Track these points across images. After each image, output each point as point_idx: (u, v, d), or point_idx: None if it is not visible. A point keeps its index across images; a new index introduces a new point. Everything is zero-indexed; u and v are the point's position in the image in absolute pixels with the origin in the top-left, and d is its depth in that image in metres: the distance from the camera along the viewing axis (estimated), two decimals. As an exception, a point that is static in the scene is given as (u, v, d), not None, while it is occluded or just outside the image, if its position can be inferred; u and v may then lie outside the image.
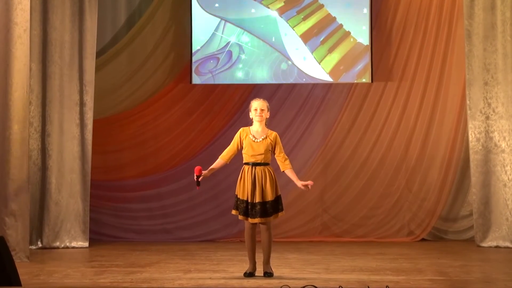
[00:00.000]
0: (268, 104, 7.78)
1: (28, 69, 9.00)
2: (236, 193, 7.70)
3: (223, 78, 11.34)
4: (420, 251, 9.79)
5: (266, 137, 7.67)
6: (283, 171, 7.75)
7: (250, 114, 7.77)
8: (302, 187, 7.71)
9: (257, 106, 7.71)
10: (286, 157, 7.75)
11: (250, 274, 7.62)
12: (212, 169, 7.83)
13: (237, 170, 7.78)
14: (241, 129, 7.77)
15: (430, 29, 11.21)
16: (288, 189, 10.95)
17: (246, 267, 7.99)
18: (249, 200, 7.57)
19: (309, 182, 7.72)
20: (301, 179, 10.93)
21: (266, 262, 7.66)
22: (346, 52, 11.20)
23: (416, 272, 8.01)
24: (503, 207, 10.07)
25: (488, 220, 10.16)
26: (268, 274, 7.59)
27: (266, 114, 7.74)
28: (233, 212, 7.75)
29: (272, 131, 7.76)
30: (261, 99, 7.81)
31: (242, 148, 7.70)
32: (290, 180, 10.90)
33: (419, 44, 11.24)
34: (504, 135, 10.12)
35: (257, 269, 7.69)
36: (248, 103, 7.85)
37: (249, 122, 7.74)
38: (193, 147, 11.43)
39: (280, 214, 7.68)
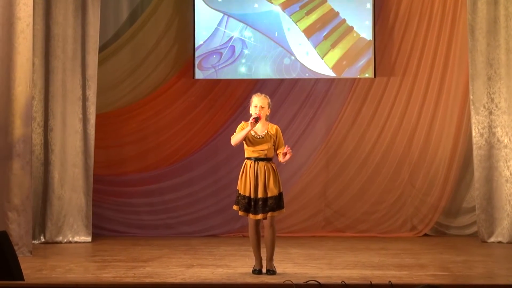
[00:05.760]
0: (269, 101, 7.72)
1: (31, 64, 9.02)
2: (237, 189, 7.66)
3: (226, 73, 11.32)
4: (422, 246, 9.79)
5: (267, 132, 7.62)
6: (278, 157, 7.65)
7: (250, 109, 7.72)
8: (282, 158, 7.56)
9: (257, 103, 7.64)
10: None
11: (259, 271, 7.58)
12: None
13: (239, 166, 7.76)
14: (242, 123, 7.73)
15: (433, 24, 11.18)
16: (291, 184, 10.97)
17: (248, 262, 8.01)
18: (251, 196, 7.53)
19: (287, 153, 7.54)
20: (303, 173, 11.17)
21: (270, 259, 7.62)
22: (349, 47, 11.18)
23: (418, 267, 8.02)
24: (505, 202, 10.07)
25: (491, 216, 10.15)
26: (271, 272, 7.54)
27: (267, 111, 7.65)
28: (234, 207, 7.71)
29: (273, 125, 7.70)
30: (263, 95, 7.74)
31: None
32: (292, 175, 11.03)
33: (422, 39, 11.21)
34: (507, 130, 10.11)
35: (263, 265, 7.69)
36: (251, 99, 7.79)
37: (250, 117, 7.67)
38: (195, 142, 11.43)
39: (281, 211, 7.63)
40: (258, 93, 7.81)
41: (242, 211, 7.61)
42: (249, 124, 7.51)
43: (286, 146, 7.59)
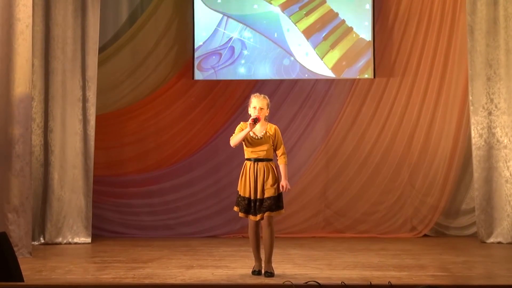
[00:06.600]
0: (268, 101, 7.68)
1: (31, 65, 9.02)
2: (238, 190, 7.65)
3: (226, 74, 11.32)
4: (422, 247, 9.79)
5: (266, 132, 7.61)
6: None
7: (249, 109, 7.69)
8: (281, 185, 7.59)
9: (256, 104, 7.61)
10: (284, 152, 7.67)
11: (258, 273, 7.57)
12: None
13: (239, 166, 7.76)
14: (241, 124, 7.71)
15: (433, 24, 11.18)
16: (290, 185, 10.77)
17: (248, 262, 8.01)
18: (251, 197, 7.52)
19: (285, 187, 7.58)
20: (303, 174, 11.18)
21: (268, 261, 7.58)
22: (348, 47, 11.18)
23: (418, 268, 8.02)
24: (505, 203, 10.07)
25: (490, 216, 10.15)
26: (268, 274, 7.50)
27: (266, 112, 7.63)
28: (235, 208, 7.70)
29: (271, 125, 7.68)
30: (262, 96, 7.71)
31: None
32: (292, 176, 10.95)
33: (421, 40, 11.21)
34: (506, 131, 10.11)
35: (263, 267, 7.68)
36: (250, 99, 7.77)
37: (249, 117, 7.66)
38: (195, 143, 11.43)
39: (280, 211, 7.61)
40: (257, 94, 7.78)
41: (242, 212, 7.59)
42: (248, 126, 7.50)
43: (282, 183, 7.56)
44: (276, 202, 7.53)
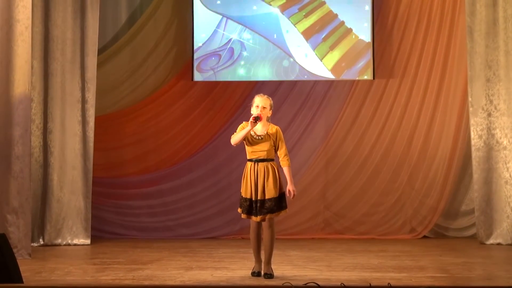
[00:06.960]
0: (271, 102, 7.64)
1: (30, 66, 9.00)
2: (241, 191, 7.64)
3: (225, 75, 11.33)
4: (422, 248, 9.79)
5: (267, 133, 7.58)
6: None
7: (251, 109, 7.68)
8: (288, 190, 7.59)
9: (258, 103, 7.58)
10: (287, 153, 7.60)
11: (258, 274, 7.54)
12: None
13: (239, 168, 7.76)
14: (243, 123, 7.68)
15: (432, 25, 11.19)
16: (290, 186, 10.96)
17: (248, 264, 8.00)
18: (252, 198, 7.50)
19: (293, 193, 7.58)
20: (302, 176, 11.17)
21: (267, 262, 7.52)
22: (348, 49, 11.19)
23: (417, 269, 8.01)
24: (505, 204, 10.07)
25: (490, 218, 10.15)
26: (268, 276, 7.45)
27: (268, 112, 7.58)
28: (239, 210, 7.69)
29: (273, 126, 7.63)
30: (265, 96, 7.67)
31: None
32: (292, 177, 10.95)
33: (420, 41, 11.22)
34: (506, 132, 10.11)
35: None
36: (250, 100, 7.75)
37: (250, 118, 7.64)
38: (195, 144, 11.42)
39: (282, 212, 7.59)
40: (261, 94, 7.75)
41: (245, 213, 7.57)
42: (249, 124, 7.48)
43: (289, 188, 7.55)
44: (278, 203, 7.50)
